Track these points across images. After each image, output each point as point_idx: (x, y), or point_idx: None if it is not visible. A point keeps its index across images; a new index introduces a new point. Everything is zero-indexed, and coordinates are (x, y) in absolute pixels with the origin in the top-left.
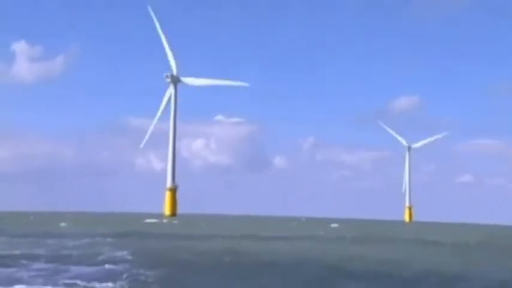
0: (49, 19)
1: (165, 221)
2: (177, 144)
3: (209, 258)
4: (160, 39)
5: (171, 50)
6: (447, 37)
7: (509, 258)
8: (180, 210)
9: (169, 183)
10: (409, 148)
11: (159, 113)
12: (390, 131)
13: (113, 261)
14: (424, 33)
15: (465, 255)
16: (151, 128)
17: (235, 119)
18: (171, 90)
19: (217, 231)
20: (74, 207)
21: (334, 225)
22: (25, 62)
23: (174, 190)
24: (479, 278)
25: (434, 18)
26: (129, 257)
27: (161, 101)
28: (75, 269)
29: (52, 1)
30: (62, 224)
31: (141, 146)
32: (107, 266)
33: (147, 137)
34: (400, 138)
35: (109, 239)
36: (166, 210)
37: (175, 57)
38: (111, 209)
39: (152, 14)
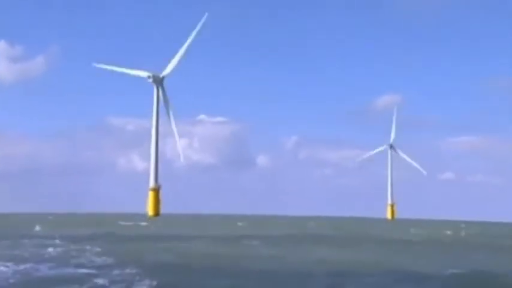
0: (29, 19)
1: (143, 223)
2: (160, 143)
3: (187, 260)
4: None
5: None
6: (429, 36)
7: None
8: (163, 210)
9: (152, 183)
10: (391, 146)
11: (170, 112)
12: (406, 157)
13: (86, 264)
14: (406, 31)
15: (412, 251)
16: (175, 132)
17: (218, 118)
18: (159, 91)
19: (198, 231)
20: (55, 209)
21: (311, 223)
22: (5, 62)
23: (157, 190)
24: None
25: (416, 17)
26: (104, 260)
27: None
28: (45, 271)
29: (32, 1)
30: (37, 228)
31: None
32: (78, 269)
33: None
34: (417, 166)
35: (86, 241)
36: (149, 211)
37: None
38: (93, 210)
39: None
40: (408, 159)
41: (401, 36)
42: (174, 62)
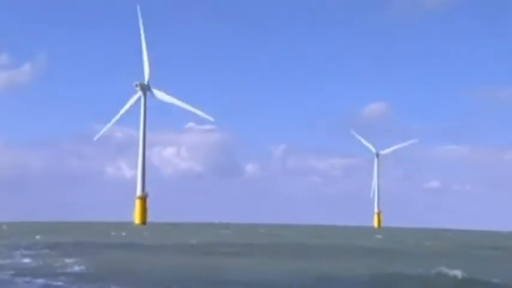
0: (15, 27)
1: (124, 233)
2: (147, 152)
3: (168, 271)
4: (141, 45)
5: (148, 57)
6: (414, 43)
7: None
8: (150, 218)
9: (139, 192)
10: (377, 155)
11: (119, 115)
12: (360, 138)
13: (61, 274)
14: (391, 39)
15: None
16: (109, 125)
17: (206, 126)
18: (138, 94)
19: (181, 240)
20: (42, 217)
21: (294, 232)
22: None
23: (144, 198)
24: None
25: (402, 27)
26: (82, 270)
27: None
28: (20, 283)
29: (17, 9)
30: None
31: (95, 138)
32: (52, 281)
33: (102, 132)
34: (369, 145)
35: (63, 251)
36: (136, 219)
37: (150, 66)
38: (78, 218)
39: (140, 17)
40: (360, 138)
41: (387, 45)
42: (146, 64)
